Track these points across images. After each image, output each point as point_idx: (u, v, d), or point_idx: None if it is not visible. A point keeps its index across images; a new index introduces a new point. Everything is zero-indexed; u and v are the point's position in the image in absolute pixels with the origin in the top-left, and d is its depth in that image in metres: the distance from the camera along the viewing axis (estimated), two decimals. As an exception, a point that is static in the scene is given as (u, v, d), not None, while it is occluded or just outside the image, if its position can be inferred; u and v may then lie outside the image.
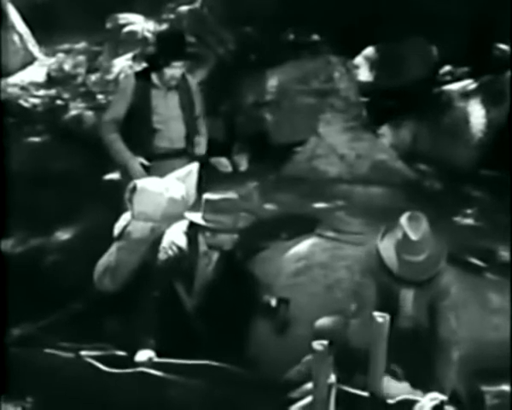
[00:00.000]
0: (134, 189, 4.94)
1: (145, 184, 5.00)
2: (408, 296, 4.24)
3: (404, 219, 4.13)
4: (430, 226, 4.18)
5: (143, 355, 4.37)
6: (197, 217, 4.72)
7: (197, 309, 4.82)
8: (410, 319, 4.27)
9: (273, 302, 4.83)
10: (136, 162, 5.48)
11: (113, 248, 5.02)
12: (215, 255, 4.81)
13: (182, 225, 4.79)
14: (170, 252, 4.67)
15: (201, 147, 5.74)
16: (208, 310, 4.80)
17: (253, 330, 4.95)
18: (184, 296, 4.79)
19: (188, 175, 5.16)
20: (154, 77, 5.57)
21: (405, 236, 4.09)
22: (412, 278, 4.12)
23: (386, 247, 4.16)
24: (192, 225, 4.75)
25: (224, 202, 4.67)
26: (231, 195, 4.78)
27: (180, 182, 5.11)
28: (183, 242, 4.70)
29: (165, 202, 4.97)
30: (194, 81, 5.96)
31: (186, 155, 5.65)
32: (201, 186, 5.17)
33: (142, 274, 4.77)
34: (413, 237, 4.08)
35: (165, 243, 4.71)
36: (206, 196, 4.76)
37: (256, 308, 4.91)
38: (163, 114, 5.56)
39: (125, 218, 5.03)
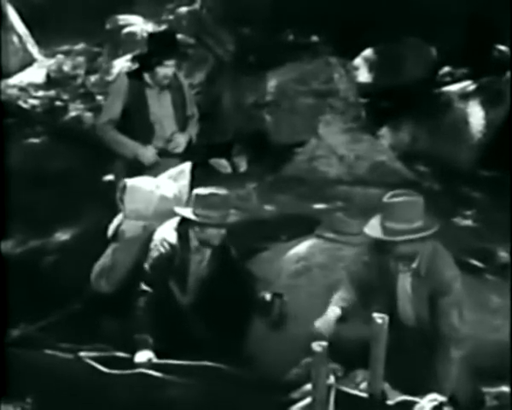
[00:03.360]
0: (124, 187, 4.96)
1: (135, 182, 5.02)
2: (406, 284, 4.25)
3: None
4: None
5: (143, 356, 4.37)
6: (187, 212, 4.73)
7: (193, 307, 4.84)
8: (411, 313, 4.28)
9: (267, 297, 4.85)
10: (147, 150, 5.47)
11: (109, 250, 5.04)
12: (208, 252, 4.82)
13: (173, 223, 4.80)
14: (161, 249, 4.68)
15: (179, 145, 5.63)
16: (204, 307, 4.82)
17: (250, 327, 4.96)
18: (178, 294, 4.80)
19: (179, 174, 5.17)
20: (147, 76, 5.56)
21: (384, 205, 4.15)
22: (392, 238, 4.11)
23: (372, 225, 4.21)
24: (183, 221, 4.77)
25: (212, 197, 4.68)
26: (221, 190, 4.78)
27: (172, 180, 5.12)
28: (173, 238, 4.71)
29: (156, 199, 4.99)
30: (185, 81, 5.97)
31: (180, 154, 5.64)
32: (194, 185, 5.18)
33: (137, 275, 4.77)
34: (386, 200, 4.14)
35: (156, 240, 4.72)
36: (196, 190, 4.78)
37: (253, 305, 4.92)
38: (157, 114, 5.57)
39: (118, 218, 5.05)
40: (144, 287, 4.59)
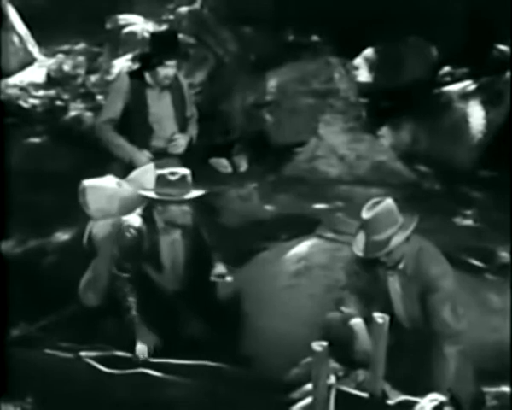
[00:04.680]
0: (84, 190, 5.02)
1: (94, 182, 5.09)
2: (396, 286, 4.26)
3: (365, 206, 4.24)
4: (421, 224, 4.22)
5: (143, 347, 4.40)
6: (149, 192, 4.80)
7: (178, 293, 4.87)
8: (404, 313, 4.27)
9: (211, 278, 4.87)
10: (142, 155, 5.48)
11: (92, 264, 5.07)
12: (177, 233, 4.83)
13: (138, 210, 4.86)
14: (128, 234, 4.73)
15: (178, 146, 5.64)
16: (189, 293, 4.86)
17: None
18: (154, 275, 4.82)
19: (144, 173, 5.19)
20: (148, 76, 5.57)
21: (364, 222, 4.19)
22: (370, 255, 4.16)
23: (358, 242, 4.25)
24: (148, 206, 4.82)
25: (172, 175, 4.71)
26: (180, 169, 4.81)
27: (136, 178, 5.15)
28: (138, 222, 4.76)
29: (119, 194, 5.07)
30: (185, 81, 5.98)
31: (180, 154, 5.65)
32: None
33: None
34: (364, 216, 4.16)
35: (122, 228, 4.78)
36: (158, 171, 4.83)
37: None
38: (157, 114, 5.57)
39: (89, 224, 5.12)
40: (120, 273, 4.66)
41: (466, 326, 4.21)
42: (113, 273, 4.69)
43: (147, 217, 4.79)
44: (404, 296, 4.26)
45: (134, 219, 4.78)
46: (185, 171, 4.79)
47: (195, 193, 4.80)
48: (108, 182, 5.12)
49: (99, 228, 5.02)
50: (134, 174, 5.20)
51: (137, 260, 4.74)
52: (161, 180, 4.74)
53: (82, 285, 5.06)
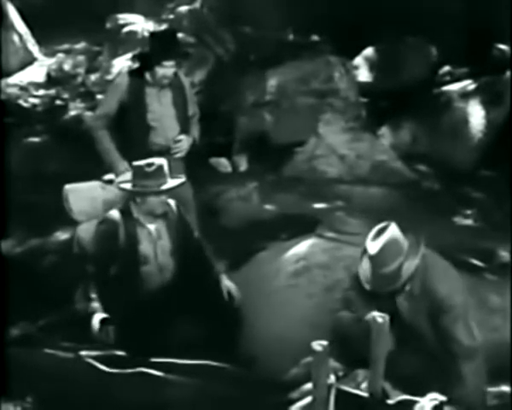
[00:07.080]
0: (66, 193, 5.05)
1: (75, 185, 5.12)
2: (403, 305, 4.16)
3: (369, 236, 4.08)
4: (419, 229, 4.17)
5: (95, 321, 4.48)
6: (127, 185, 4.81)
7: (169, 284, 4.85)
8: (407, 326, 4.24)
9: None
10: (122, 165, 5.46)
11: None
12: (159, 223, 4.83)
13: (118, 205, 4.89)
14: (103, 226, 4.76)
15: (182, 150, 5.59)
16: (180, 280, 4.85)
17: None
18: (140, 268, 4.78)
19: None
20: (148, 75, 5.57)
21: (370, 257, 4.05)
22: (382, 290, 4.04)
23: (364, 270, 4.12)
24: (126, 200, 4.84)
25: (149, 167, 4.72)
26: (156, 159, 4.81)
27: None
28: (115, 215, 4.77)
29: (102, 195, 5.09)
30: (187, 80, 5.97)
31: None
32: (194, 185, 5.29)
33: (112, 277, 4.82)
34: (370, 250, 4.04)
35: (99, 221, 4.81)
36: (134, 163, 4.84)
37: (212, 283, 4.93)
38: (157, 112, 5.56)
39: (77, 230, 5.14)
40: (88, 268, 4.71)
41: (481, 340, 4.13)
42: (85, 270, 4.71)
43: (124, 210, 4.81)
44: (410, 312, 4.16)
45: (111, 213, 4.81)
46: (161, 161, 4.80)
47: (173, 183, 4.81)
48: (91, 184, 5.15)
49: (84, 231, 5.04)
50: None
51: (114, 253, 4.73)
52: (138, 172, 4.75)
53: (77, 296, 5.06)
